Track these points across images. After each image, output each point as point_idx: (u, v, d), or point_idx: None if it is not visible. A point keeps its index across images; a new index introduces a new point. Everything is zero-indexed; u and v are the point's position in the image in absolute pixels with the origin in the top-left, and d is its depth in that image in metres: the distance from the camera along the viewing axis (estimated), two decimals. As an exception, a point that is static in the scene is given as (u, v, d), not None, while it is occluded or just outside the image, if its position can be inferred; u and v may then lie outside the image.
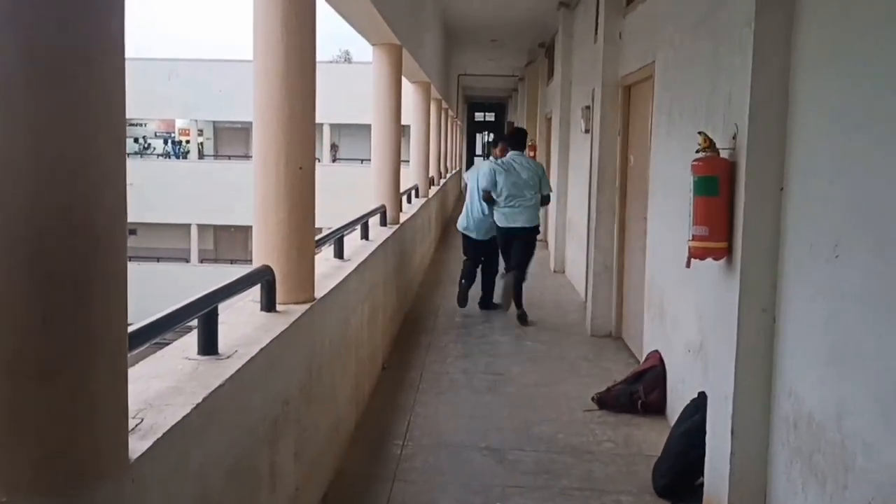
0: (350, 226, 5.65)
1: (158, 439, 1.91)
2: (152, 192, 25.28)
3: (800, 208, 2.97)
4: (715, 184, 3.26)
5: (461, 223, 8.39)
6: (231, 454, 2.50)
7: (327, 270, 4.49)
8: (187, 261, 28.55)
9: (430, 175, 12.86)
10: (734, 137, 3.23)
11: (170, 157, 34.10)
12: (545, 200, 7.88)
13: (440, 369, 6.16)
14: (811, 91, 2.92)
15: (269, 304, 3.37)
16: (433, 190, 13.13)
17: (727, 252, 3.28)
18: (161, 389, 2.26)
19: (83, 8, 1.56)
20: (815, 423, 2.77)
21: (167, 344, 2.75)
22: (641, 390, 5.11)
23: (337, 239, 5.06)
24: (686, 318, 4.64)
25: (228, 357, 2.64)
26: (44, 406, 1.55)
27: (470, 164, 30.65)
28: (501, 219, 7.72)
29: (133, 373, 2.07)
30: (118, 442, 1.72)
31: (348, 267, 4.76)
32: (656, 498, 3.93)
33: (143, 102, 25.83)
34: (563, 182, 10.95)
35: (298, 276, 3.63)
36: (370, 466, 4.30)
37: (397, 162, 7.78)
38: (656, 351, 5.30)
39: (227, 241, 30.32)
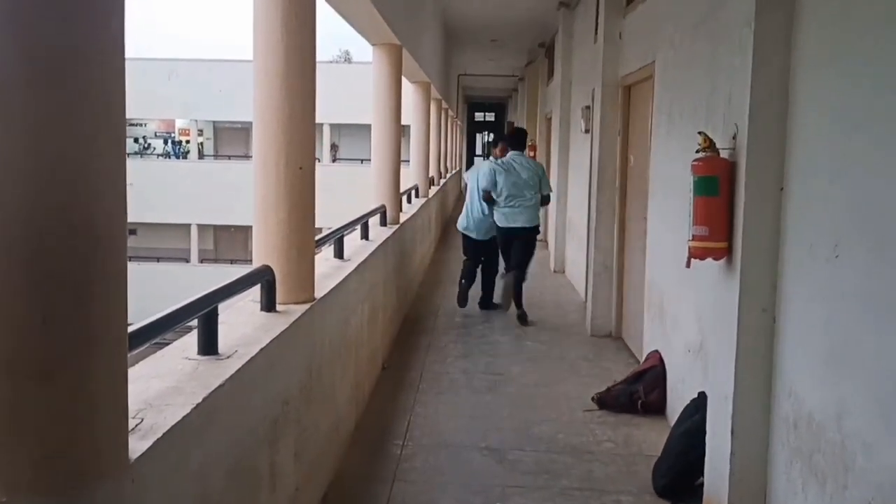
0: (350, 226, 5.65)
1: (158, 439, 1.91)
2: (152, 192, 25.28)
3: (800, 208, 2.97)
4: (715, 184, 3.26)
5: (461, 223, 8.39)
6: (231, 454, 2.50)
7: (327, 270, 4.49)
8: (187, 261, 28.55)
9: (430, 175, 12.86)
10: (734, 137, 3.23)
11: (170, 157, 34.10)
12: (545, 200, 7.88)
13: (440, 369, 6.16)
14: (811, 91, 2.92)
15: (269, 304, 3.37)
16: (433, 190, 13.13)
17: (727, 252, 3.28)
18: (161, 389, 2.26)
19: (83, 7, 1.56)
20: (815, 423, 2.77)
21: (167, 344, 2.75)
22: (641, 390, 5.11)
23: (337, 239, 5.06)
24: (686, 318, 4.64)
25: (228, 357, 2.64)
26: (44, 406, 1.55)
27: (470, 164, 30.66)
28: (501, 219, 7.72)
29: (133, 373, 2.07)
30: (118, 442, 1.72)
31: (348, 267, 4.76)
32: (656, 498, 3.93)
33: (143, 102, 25.84)
34: (563, 182, 10.95)
35: (298, 276, 3.63)
36: (370, 466, 4.30)
37: (397, 162, 7.78)
38: (656, 351, 5.30)
39: (227, 241, 30.32)
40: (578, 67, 10.19)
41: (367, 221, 6.34)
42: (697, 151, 3.40)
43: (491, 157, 8.30)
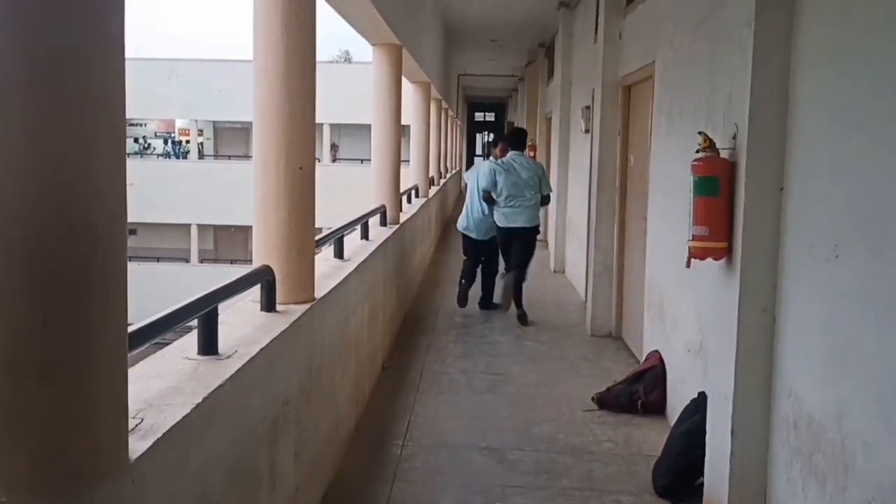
0: (350, 226, 5.65)
1: (158, 439, 1.91)
2: (152, 192, 25.29)
3: (800, 208, 2.97)
4: (715, 184, 3.26)
5: (461, 223, 8.39)
6: (231, 454, 2.50)
7: (327, 270, 4.49)
8: (187, 261, 28.55)
9: (430, 175, 12.86)
10: (734, 137, 3.23)
11: (170, 157, 34.11)
12: (545, 200, 7.89)
13: (440, 369, 6.16)
14: (811, 91, 2.92)
15: (269, 304, 3.37)
16: (433, 190, 13.13)
17: (727, 252, 3.28)
18: (161, 389, 2.26)
19: (83, 7, 1.55)
20: (815, 423, 2.77)
21: (167, 344, 2.75)
22: (641, 390, 5.11)
23: (337, 239, 5.06)
24: (686, 318, 4.64)
25: (228, 357, 2.64)
26: (43, 406, 1.55)
27: (470, 163, 30.66)
28: (501, 219, 7.72)
29: (133, 373, 2.07)
30: (118, 442, 1.72)
31: (348, 267, 4.76)
32: (656, 498, 3.93)
33: (143, 102, 25.84)
34: (563, 182, 10.95)
35: (298, 276, 3.63)
36: (370, 467, 4.30)
37: (397, 162, 7.78)
38: (656, 351, 5.30)
39: (227, 241, 30.32)
40: (578, 67, 10.19)
41: (367, 221, 6.34)
42: (697, 151, 3.40)
43: (491, 158, 8.30)
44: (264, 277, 3.35)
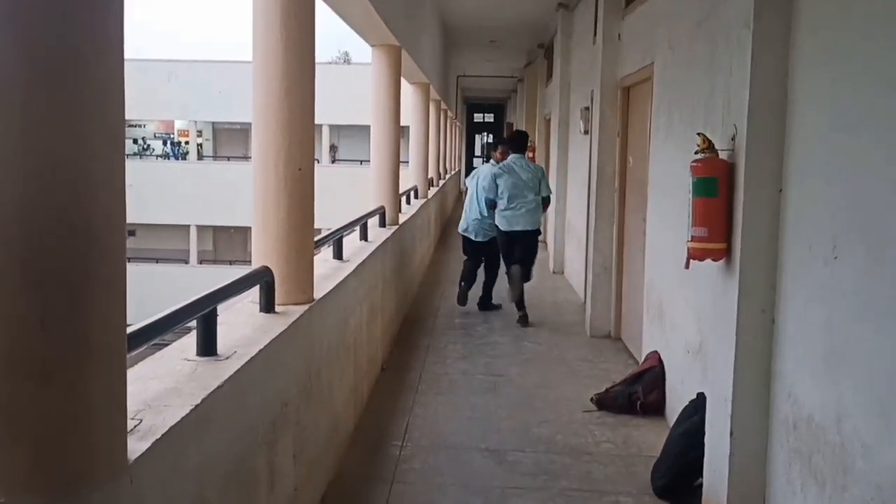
0: (349, 227, 5.65)
1: (157, 440, 1.91)
2: (151, 193, 25.30)
3: (799, 209, 2.98)
4: (714, 185, 3.26)
5: (461, 225, 8.46)
6: (230, 455, 2.50)
7: (326, 271, 4.49)
8: (186, 262, 28.54)
9: (429, 176, 12.86)
10: (733, 138, 3.23)
11: (169, 158, 34.10)
12: (545, 202, 7.90)
13: (439, 370, 6.16)
14: (810, 91, 2.93)
15: (267, 305, 3.37)
16: (432, 191, 13.13)
17: (726, 253, 3.28)
18: (160, 390, 2.26)
19: (82, 7, 1.55)
20: (814, 424, 2.77)
21: (166, 345, 2.75)
22: (640, 391, 5.11)
23: (336, 240, 5.06)
24: (685, 319, 4.64)
25: (227, 358, 2.64)
26: (42, 406, 1.55)
27: (469, 164, 30.67)
28: (503, 222, 7.74)
29: (132, 374, 2.07)
30: (117, 443, 1.72)
31: (347, 268, 4.76)
32: (655, 499, 3.93)
33: (142, 103, 25.87)
34: (563, 183, 10.96)
35: (297, 277, 3.63)
36: (369, 467, 4.29)
37: (396, 163, 7.79)
38: (655, 352, 5.30)
39: (226, 242, 30.32)
40: (577, 68, 10.20)
41: (366, 222, 6.34)
42: (696, 152, 3.40)
43: (491, 161, 8.32)
44: (263, 278, 3.35)
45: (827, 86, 2.80)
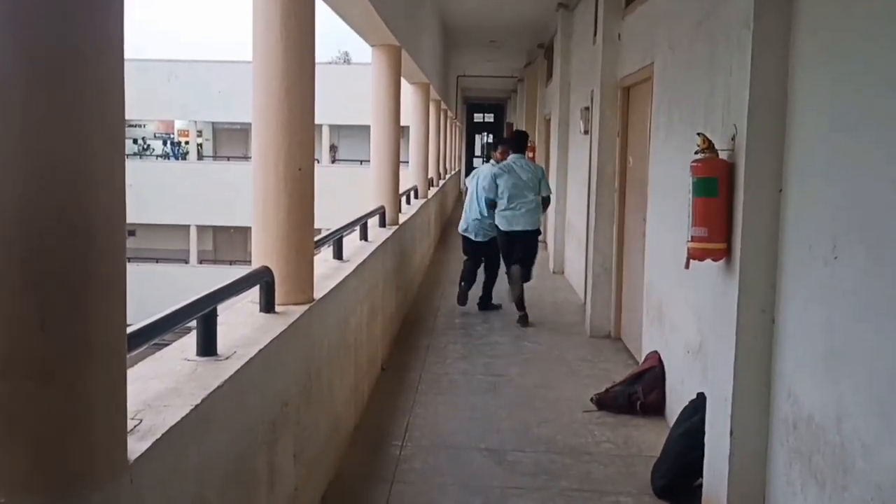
0: (349, 227, 5.65)
1: (157, 440, 1.91)
2: (151, 193, 25.30)
3: (798, 209, 2.98)
4: (714, 185, 3.26)
5: (461, 225, 8.48)
6: (230, 455, 2.50)
7: (326, 271, 4.49)
8: (186, 262, 28.54)
9: (429, 176, 12.86)
10: (733, 138, 3.23)
11: (169, 159, 34.10)
12: (545, 202, 7.90)
13: (439, 370, 6.16)
14: (810, 91, 2.93)
15: (267, 305, 3.37)
16: (432, 191, 13.13)
17: (726, 253, 3.28)
18: (160, 390, 2.26)
19: (82, 7, 1.55)
20: (814, 424, 2.77)
21: (166, 345, 2.75)
22: (640, 391, 5.11)
23: (336, 240, 5.06)
24: (685, 319, 4.64)
25: (227, 358, 2.64)
26: (42, 406, 1.55)
27: (469, 164, 30.66)
28: (503, 222, 7.75)
29: (132, 374, 2.07)
30: (117, 443, 1.72)
31: (347, 268, 4.76)
32: (655, 499, 3.93)
33: (142, 103, 25.87)
34: (562, 183, 10.96)
35: (297, 277, 3.63)
36: (369, 467, 4.30)
37: (396, 163, 7.79)
38: (655, 352, 5.30)
39: (226, 242, 30.32)
40: (577, 68, 10.20)
41: (366, 222, 6.34)
42: (696, 152, 3.40)
43: (491, 161, 8.33)
44: (263, 278, 3.35)
45: (827, 86, 2.80)
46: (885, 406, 2.31)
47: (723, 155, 3.30)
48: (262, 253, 3.61)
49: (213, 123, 33.59)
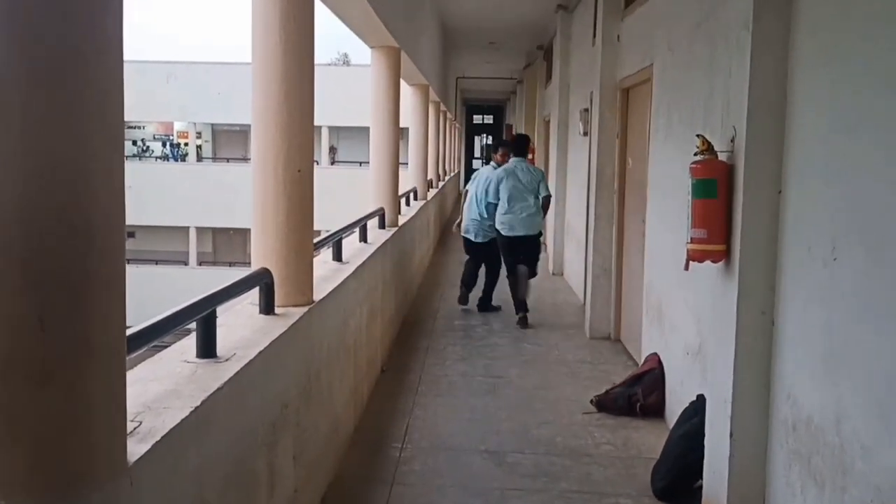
0: (348, 228, 5.65)
1: (157, 442, 1.90)
2: (151, 194, 25.29)
3: (798, 211, 2.98)
4: (713, 186, 3.27)
5: (463, 227, 8.47)
6: (229, 457, 2.50)
7: (326, 273, 4.49)
8: (186, 263, 28.53)
9: (428, 178, 12.86)
10: (732, 140, 3.23)
11: (168, 160, 34.10)
12: (546, 203, 7.91)
13: (439, 372, 6.16)
14: (809, 93, 2.93)
15: (267, 307, 3.37)
16: (432, 192, 13.13)
17: (725, 255, 3.28)
18: (159, 392, 2.26)
19: (81, 8, 1.55)
20: (813, 425, 2.77)
21: (166, 347, 2.75)
22: (640, 393, 5.11)
23: (335, 241, 5.06)
24: (684, 321, 4.64)
25: (227, 360, 2.64)
26: (41, 408, 1.54)
27: (469, 166, 30.64)
28: (504, 227, 7.76)
29: (132, 376, 2.07)
30: (116, 444, 1.72)
31: (347, 269, 4.76)
32: (655, 500, 3.93)
33: (141, 105, 25.87)
34: (562, 185, 10.96)
35: (297, 278, 3.63)
36: (369, 469, 4.29)
37: (396, 164, 7.79)
38: (655, 353, 5.30)
39: (225, 243, 30.31)
40: (577, 70, 10.21)
41: (365, 224, 6.34)
42: (696, 154, 3.40)
43: (491, 163, 8.34)
44: (263, 280, 3.35)
45: (826, 87, 2.80)
46: (885, 407, 2.31)
47: (722, 156, 3.31)
48: (262, 255, 3.61)
49: (212, 125, 33.60)
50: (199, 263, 28.80)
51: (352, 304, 4.79)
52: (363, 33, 7.01)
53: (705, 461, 3.52)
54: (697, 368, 4.26)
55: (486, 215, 7.99)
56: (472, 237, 8.31)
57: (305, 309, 3.54)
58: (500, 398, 5.55)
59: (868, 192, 2.48)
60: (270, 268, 3.42)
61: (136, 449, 1.83)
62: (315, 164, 4.49)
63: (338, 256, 5.02)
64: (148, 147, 34.94)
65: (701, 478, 3.59)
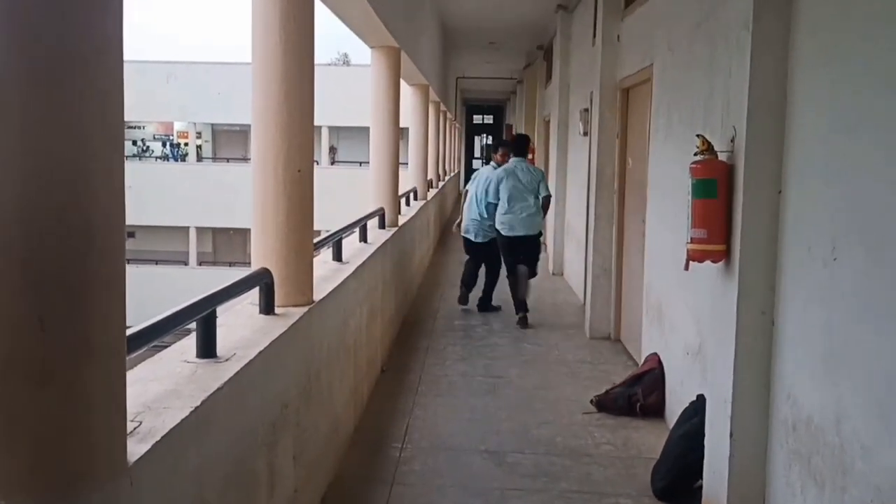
0: (348, 228, 5.65)
1: (157, 442, 1.90)
2: (151, 194, 25.29)
3: (798, 210, 2.98)
4: (713, 186, 3.27)
5: (463, 227, 8.47)
6: (229, 457, 2.50)
7: (326, 273, 4.49)
8: (186, 263, 28.53)
9: (428, 178, 12.86)
10: (732, 140, 3.23)
11: (168, 160, 34.10)
12: (546, 203, 7.91)
13: (439, 372, 6.16)
14: (809, 93, 2.93)
15: (267, 307, 3.37)
16: (432, 192, 13.13)
17: (725, 255, 3.28)
18: (159, 392, 2.26)
19: (81, 8, 1.55)
20: (813, 425, 2.77)
21: (166, 347, 2.75)
22: (640, 393, 5.11)
23: (335, 241, 5.06)
24: (684, 321, 4.64)
25: (227, 360, 2.64)
26: (41, 408, 1.54)
27: (469, 166, 30.64)
28: (503, 227, 7.77)
29: (132, 376, 2.07)
30: (116, 444, 1.72)
31: (347, 269, 4.76)
32: (655, 500, 3.93)
33: (141, 105, 25.87)
34: (562, 185, 10.96)
35: (297, 278, 3.63)
36: (369, 469, 4.29)
37: (396, 164, 7.79)
38: (655, 353, 5.30)
39: (225, 243, 30.31)
40: (577, 70, 10.21)
41: (365, 224, 6.34)
42: (696, 154, 3.40)
43: (491, 163, 8.35)
44: (263, 280, 3.35)
45: (826, 87, 2.80)
46: (885, 407, 2.31)
47: (722, 156, 3.31)
48: (262, 255, 3.61)
49: (212, 125, 33.60)
50: (199, 263, 28.80)
51: (352, 304, 4.79)
52: (363, 33, 7.01)
53: (705, 461, 3.52)
54: (697, 368, 4.26)
55: (486, 215, 8.00)
56: (472, 237, 8.31)
57: (305, 309, 3.54)
58: (500, 398, 5.55)
59: (868, 192, 2.48)
60: (270, 268, 3.42)
61: (136, 449, 1.83)
62: (315, 164, 4.49)
63: (338, 256, 5.02)
64: (148, 147, 34.95)
65: (701, 478, 3.59)
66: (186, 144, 34.14)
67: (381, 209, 7.38)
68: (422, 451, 4.54)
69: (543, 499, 3.95)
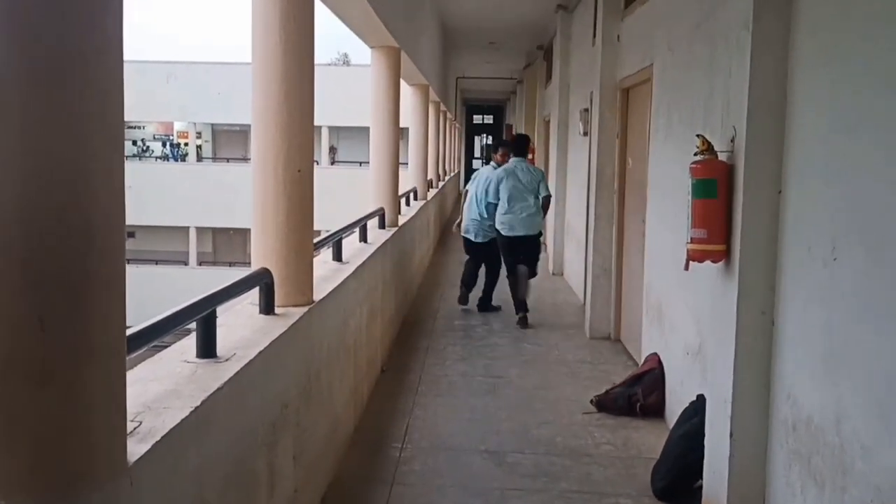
0: (348, 228, 5.65)
1: (157, 442, 1.90)
2: (151, 194, 25.29)
3: (798, 211, 2.98)
4: (713, 186, 3.27)
5: (463, 227, 8.47)
6: (229, 457, 2.50)
7: (326, 273, 4.49)
8: (186, 263, 28.53)
9: (428, 178, 12.86)
10: (732, 140, 3.23)
11: (168, 160, 34.09)
12: (546, 203, 7.91)
13: (439, 372, 6.16)
14: (809, 93, 2.93)
15: (267, 307, 3.37)
16: (432, 192, 13.13)
17: (725, 255, 3.28)
18: (159, 392, 2.26)
19: (81, 8, 1.55)
20: (813, 425, 2.77)
21: (165, 347, 2.75)
22: (640, 393, 5.11)
23: (335, 241, 5.06)
24: (684, 321, 4.64)
25: (227, 360, 2.64)
26: (41, 408, 1.54)
27: (469, 166, 30.65)
28: (503, 227, 7.77)
29: (132, 376, 2.07)
30: (116, 444, 1.72)
31: (347, 269, 4.76)
32: (655, 500, 3.93)
33: (141, 105, 25.86)
34: (562, 185, 10.96)
35: (297, 278, 3.63)
36: (369, 469, 4.29)
37: (396, 164, 7.79)
38: (655, 353, 5.30)
39: (225, 243, 30.31)
40: (577, 70, 10.21)
41: (365, 224, 6.34)
42: (696, 154, 3.40)
43: (491, 163, 8.35)
44: (263, 280, 3.35)
45: (826, 87, 2.80)
46: (885, 407, 2.31)
47: (722, 156, 3.31)
48: (262, 255, 3.61)
49: (212, 125, 33.59)
50: (199, 263, 28.79)
51: (352, 304, 4.79)
52: (363, 33, 7.01)
53: (705, 461, 3.52)
54: (697, 368, 4.26)
55: (486, 215, 8.00)
56: (472, 237, 8.31)
57: (305, 309, 3.54)
58: (500, 398, 5.55)
59: (868, 192, 2.48)
60: (270, 268, 3.42)
61: (136, 449, 1.83)
62: (315, 164, 4.49)
63: (338, 256, 5.02)
64: (148, 147, 34.95)
65: (701, 478, 3.59)
66: (186, 144, 34.14)
67: (381, 209, 7.38)
68: (422, 451, 4.54)
69: (543, 499, 3.95)
